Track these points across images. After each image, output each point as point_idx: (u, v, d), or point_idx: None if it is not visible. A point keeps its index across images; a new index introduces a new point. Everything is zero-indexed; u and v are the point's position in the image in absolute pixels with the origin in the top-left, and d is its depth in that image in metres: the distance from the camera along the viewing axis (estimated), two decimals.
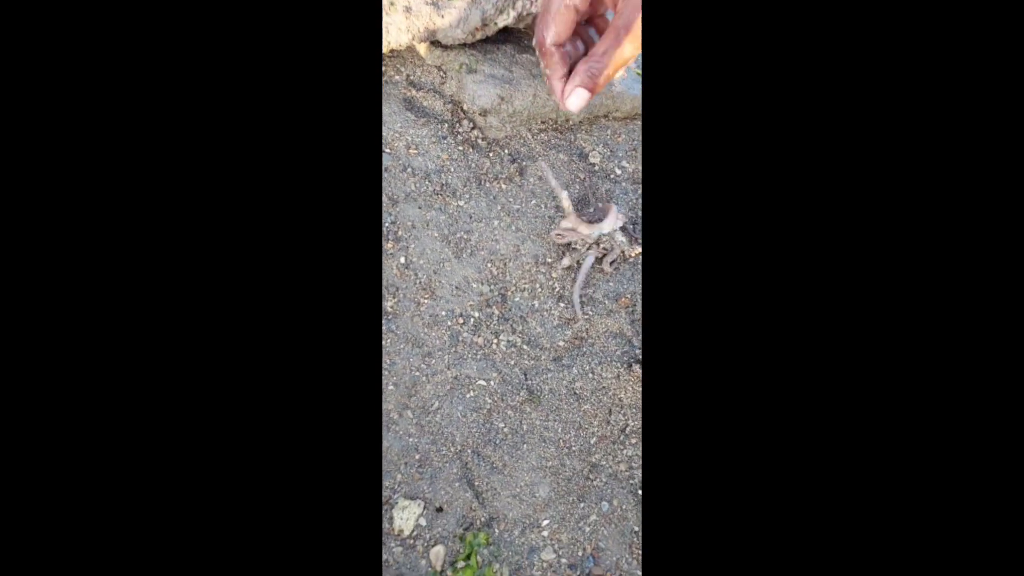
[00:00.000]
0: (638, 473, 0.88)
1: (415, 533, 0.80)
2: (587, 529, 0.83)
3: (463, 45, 1.07)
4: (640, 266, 1.05)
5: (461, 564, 0.78)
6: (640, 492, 0.87)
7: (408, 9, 0.97)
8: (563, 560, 0.81)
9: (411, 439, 0.87)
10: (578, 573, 0.80)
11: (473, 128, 1.10)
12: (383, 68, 1.09)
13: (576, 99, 0.80)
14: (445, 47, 1.07)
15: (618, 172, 1.13)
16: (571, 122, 1.13)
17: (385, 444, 0.85)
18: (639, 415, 0.92)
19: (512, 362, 0.95)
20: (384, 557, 0.78)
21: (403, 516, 0.80)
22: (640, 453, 0.90)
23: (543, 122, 1.12)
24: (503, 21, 1.02)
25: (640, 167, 1.14)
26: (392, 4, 0.97)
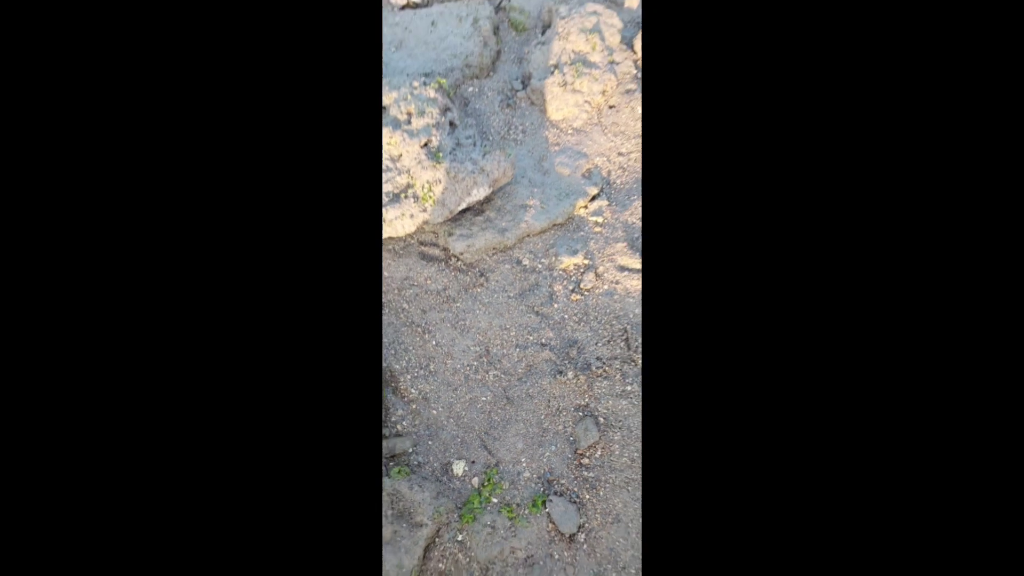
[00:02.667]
0: (574, 432, 1.75)
1: (463, 474, 1.70)
2: (544, 460, 1.71)
3: (444, 220, 1.96)
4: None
5: (486, 484, 1.67)
6: (571, 440, 1.75)
7: (411, 216, 1.88)
8: (534, 475, 1.69)
9: (454, 432, 1.76)
10: (541, 480, 1.68)
11: (457, 261, 1.99)
12: (407, 240, 2.00)
13: None
14: (435, 224, 1.97)
15: (539, 266, 2.00)
16: (508, 244, 2.01)
17: (443, 435, 1.75)
18: (571, 401, 1.79)
19: (498, 385, 1.83)
20: (449, 489, 1.68)
21: (457, 466, 1.70)
22: (574, 421, 1.77)
23: (493, 249, 2.00)
24: (460, 208, 1.92)
25: (555, 260, 2.01)
26: (402, 214, 1.87)
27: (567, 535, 1.62)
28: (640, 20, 2.43)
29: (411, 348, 1.88)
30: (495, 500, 1.66)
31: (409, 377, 1.85)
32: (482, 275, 1.99)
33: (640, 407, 1.76)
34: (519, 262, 2.01)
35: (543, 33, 2.42)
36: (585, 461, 1.72)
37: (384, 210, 1.87)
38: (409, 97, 1.98)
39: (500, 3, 2.56)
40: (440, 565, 1.58)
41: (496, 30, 2.49)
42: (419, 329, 1.91)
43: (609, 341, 1.86)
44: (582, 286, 1.96)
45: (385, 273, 1.98)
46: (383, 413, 1.81)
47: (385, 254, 2.00)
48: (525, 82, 2.34)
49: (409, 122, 1.94)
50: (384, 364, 1.84)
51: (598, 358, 1.84)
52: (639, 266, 1.95)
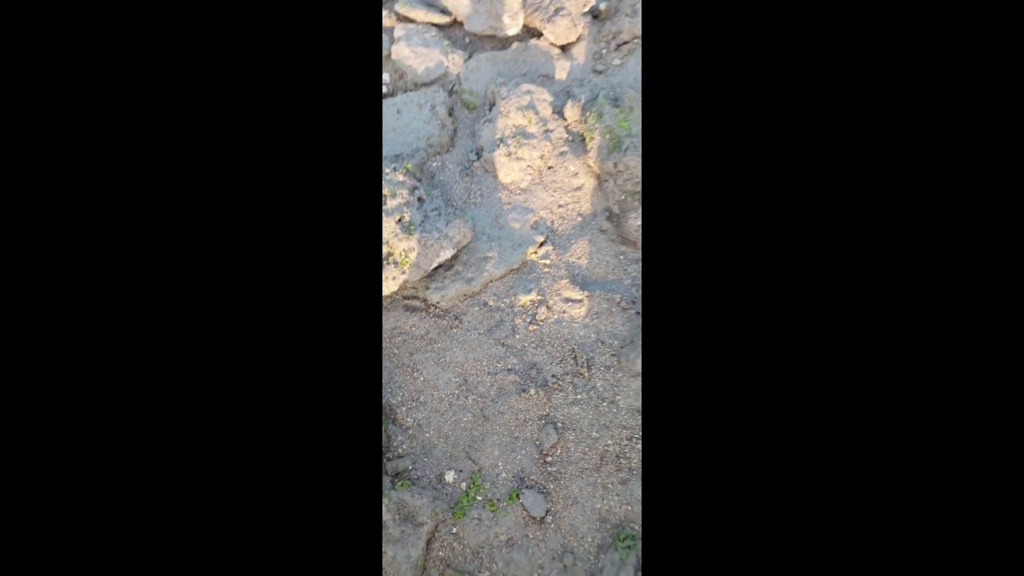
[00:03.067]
0: (538, 437, 2.18)
1: (453, 480, 2.13)
2: (516, 462, 2.15)
3: (421, 278, 2.43)
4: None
5: (472, 486, 2.10)
6: (537, 444, 2.18)
7: (394, 278, 2.35)
8: (510, 475, 2.12)
9: (444, 448, 2.20)
10: (515, 478, 2.11)
11: (435, 309, 2.45)
12: (393, 297, 2.46)
13: None
14: (414, 281, 2.44)
15: (502, 305, 2.46)
16: (475, 291, 2.47)
17: (435, 452, 2.18)
18: (534, 413, 2.23)
19: (476, 407, 2.27)
20: (443, 494, 2.10)
21: (448, 475, 2.13)
22: (538, 428, 2.20)
23: (463, 296, 2.47)
24: (432, 267, 2.39)
25: (514, 299, 2.46)
26: (386, 277, 2.34)
27: (538, 519, 2.04)
28: (568, 90, 2.93)
29: (404, 385, 2.33)
30: (480, 498, 2.08)
31: (404, 409, 2.30)
32: (456, 318, 2.45)
33: (588, 412, 2.19)
34: (485, 304, 2.46)
35: (490, 110, 2.92)
36: (549, 459, 2.14)
37: None
38: (383, 182, 2.47)
39: (453, 87, 3.07)
40: (440, 553, 2.00)
41: (451, 111, 3.00)
42: (409, 369, 2.36)
43: (561, 361, 2.31)
44: (537, 318, 2.41)
45: None
46: (387, 441, 2.25)
47: None
48: (479, 154, 2.83)
49: (385, 203, 2.42)
50: (383, 400, 2.29)
51: (553, 375, 2.28)
52: (580, 297, 2.41)
